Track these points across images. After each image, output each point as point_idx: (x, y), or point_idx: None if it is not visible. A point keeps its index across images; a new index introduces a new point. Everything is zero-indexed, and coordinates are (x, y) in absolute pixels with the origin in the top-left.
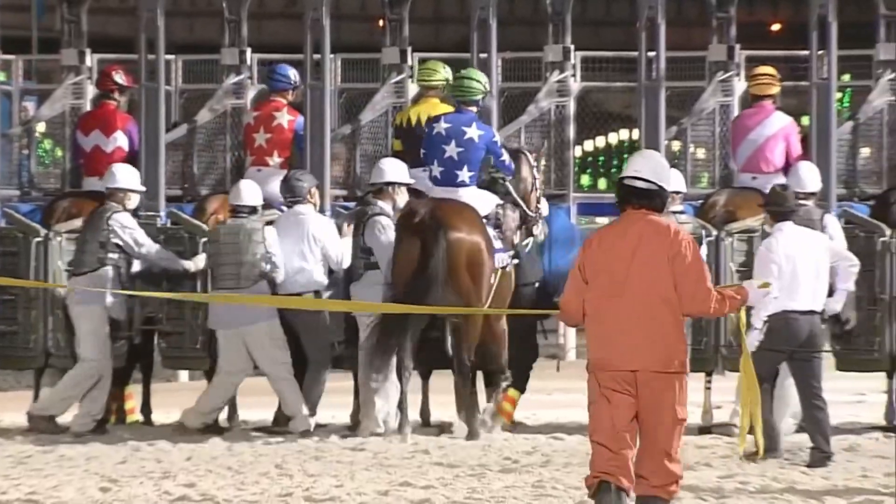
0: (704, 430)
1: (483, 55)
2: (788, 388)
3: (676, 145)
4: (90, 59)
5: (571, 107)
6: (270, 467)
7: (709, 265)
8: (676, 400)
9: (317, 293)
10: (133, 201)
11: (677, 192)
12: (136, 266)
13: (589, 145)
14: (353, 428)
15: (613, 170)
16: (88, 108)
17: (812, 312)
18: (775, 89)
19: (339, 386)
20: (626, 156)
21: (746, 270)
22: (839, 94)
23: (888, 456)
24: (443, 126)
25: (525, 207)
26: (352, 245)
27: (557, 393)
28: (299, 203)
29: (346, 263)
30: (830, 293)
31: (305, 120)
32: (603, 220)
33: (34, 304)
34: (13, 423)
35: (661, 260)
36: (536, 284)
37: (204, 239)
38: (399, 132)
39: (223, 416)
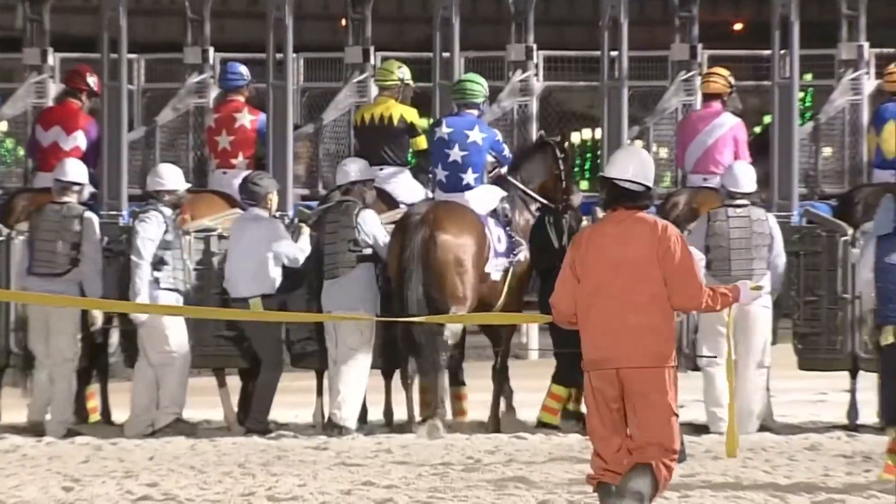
0: None
1: (446, 54)
2: (753, 389)
3: (639, 144)
4: (52, 59)
5: (534, 106)
6: (233, 466)
7: None
8: (669, 394)
9: (268, 296)
10: (83, 195)
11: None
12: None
13: None
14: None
15: (576, 169)
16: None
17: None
18: (725, 90)
19: (301, 385)
20: (588, 155)
21: None
22: (801, 94)
23: (850, 454)
24: (445, 130)
25: (542, 199)
26: (335, 241)
27: (520, 392)
28: (255, 207)
29: (303, 259)
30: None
31: (268, 119)
32: None
33: None
34: None
35: (651, 257)
36: None
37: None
38: (355, 131)
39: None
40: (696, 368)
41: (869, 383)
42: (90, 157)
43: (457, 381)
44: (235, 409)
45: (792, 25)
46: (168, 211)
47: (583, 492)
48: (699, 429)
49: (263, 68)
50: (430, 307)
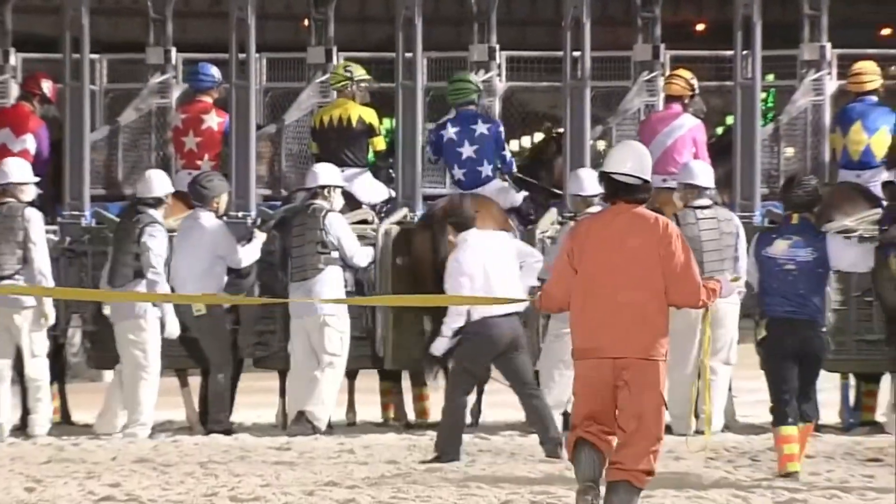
0: None
1: (408, 55)
2: (717, 388)
3: (602, 145)
4: (14, 59)
5: (497, 106)
6: (195, 467)
7: None
8: (659, 384)
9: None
10: (27, 194)
11: None
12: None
13: (514, 145)
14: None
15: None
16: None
17: (511, 315)
18: (686, 92)
19: (263, 385)
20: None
21: None
22: (763, 94)
23: (812, 454)
24: (452, 131)
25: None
26: (301, 244)
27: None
28: (202, 208)
29: (247, 263)
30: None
31: (230, 119)
32: None
33: None
34: None
35: (651, 252)
36: None
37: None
38: (314, 134)
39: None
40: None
41: (831, 384)
42: (39, 162)
43: (419, 381)
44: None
45: (754, 26)
46: (162, 219)
47: (545, 492)
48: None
49: (226, 68)
50: None
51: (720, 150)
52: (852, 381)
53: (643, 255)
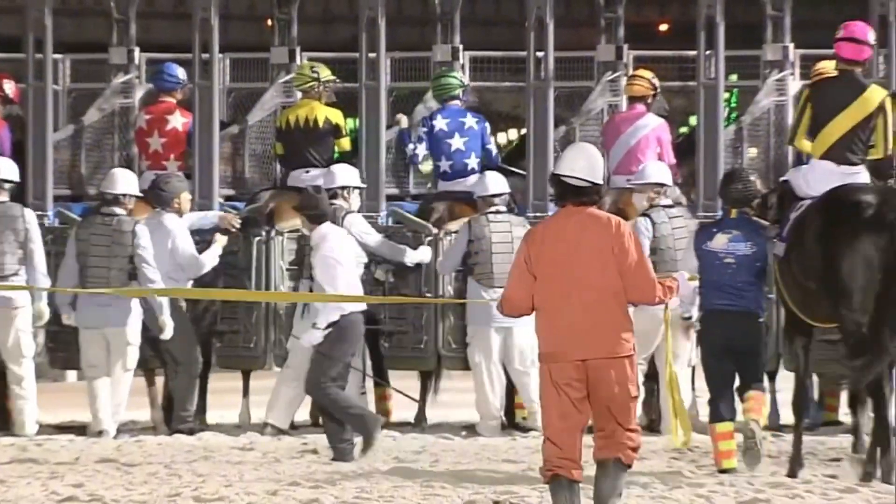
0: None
1: (372, 55)
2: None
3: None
4: None
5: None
6: (159, 467)
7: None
8: (628, 380)
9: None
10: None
11: None
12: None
13: None
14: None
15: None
16: None
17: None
18: (649, 92)
19: (227, 385)
20: (515, 156)
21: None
22: (726, 95)
23: (775, 454)
24: (442, 122)
25: None
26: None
27: (446, 393)
28: (163, 210)
29: (208, 267)
30: None
31: (194, 119)
32: None
33: None
34: None
35: (606, 251)
36: None
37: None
38: (279, 135)
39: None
40: None
41: (791, 384)
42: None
43: (382, 381)
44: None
45: (717, 26)
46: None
47: (508, 492)
48: None
49: (189, 68)
50: None
51: (684, 151)
52: (815, 380)
53: (598, 255)
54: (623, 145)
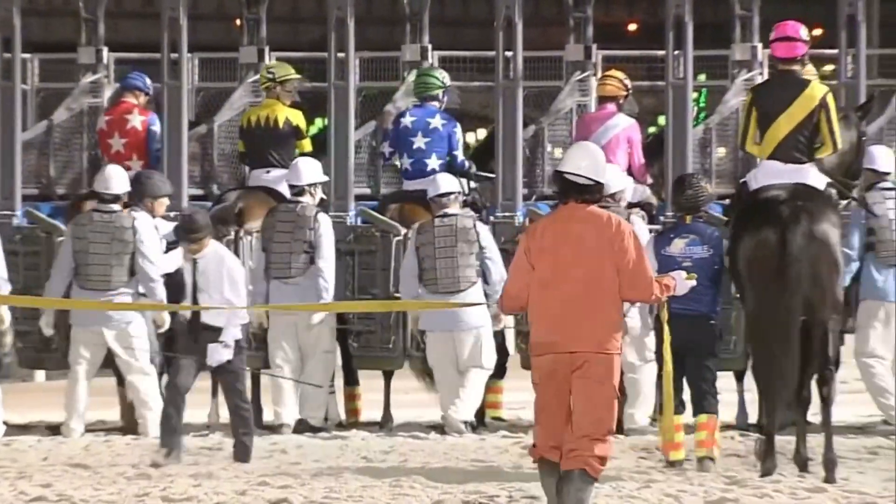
0: None
1: (341, 55)
2: (644, 385)
3: (533, 144)
4: None
5: None
6: (127, 467)
7: None
8: (612, 378)
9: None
10: None
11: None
12: None
13: None
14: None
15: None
16: None
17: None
18: (620, 93)
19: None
20: (483, 156)
21: None
22: (695, 94)
23: (743, 454)
24: (409, 119)
25: None
26: (288, 241)
27: (415, 392)
28: (138, 208)
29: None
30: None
31: (162, 119)
32: None
33: None
34: None
35: (605, 249)
36: None
37: (60, 238)
38: (241, 134)
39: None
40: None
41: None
42: None
43: (351, 380)
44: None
45: (686, 26)
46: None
47: (478, 491)
48: None
49: (158, 68)
50: None
51: (653, 150)
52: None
53: (597, 252)
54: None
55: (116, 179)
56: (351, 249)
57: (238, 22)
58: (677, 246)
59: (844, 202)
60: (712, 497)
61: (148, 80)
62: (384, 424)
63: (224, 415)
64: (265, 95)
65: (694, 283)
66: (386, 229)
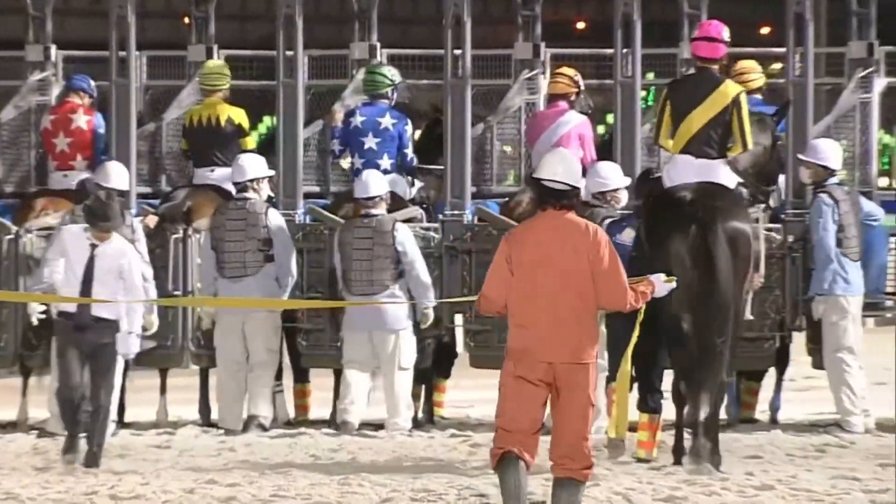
0: None
1: (289, 52)
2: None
3: (480, 143)
4: None
5: None
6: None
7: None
8: (590, 387)
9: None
10: None
11: None
12: None
13: None
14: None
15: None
16: None
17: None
18: (571, 90)
19: (145, 383)
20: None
21: None
22: (643, 93)
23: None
24: (359, 119)
25: None
26: (242, 239)
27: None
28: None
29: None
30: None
31: (110, 117)
32: None
33: None
34: None
35: (582, 257)
36: None
37: (8, 236)
38: (185, 133)
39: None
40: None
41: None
42: None
43: (301, 378)
44: None
45: (634, 24)
46: None
47: (426, 489)
48: None
49: (106, 66)
50: None
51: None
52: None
53: (574, 259)
54: (545, 142)
55: (117, 175)
56: (300, 248)
57: (186, 20)
58: (628, 235)
59: (763, 205)
60: (661, 495)
61: (92, 83)
62: (333, 422)
63: (172, 412)
64: (207, 95)
65: (674, 284)
66: (334, 227)
